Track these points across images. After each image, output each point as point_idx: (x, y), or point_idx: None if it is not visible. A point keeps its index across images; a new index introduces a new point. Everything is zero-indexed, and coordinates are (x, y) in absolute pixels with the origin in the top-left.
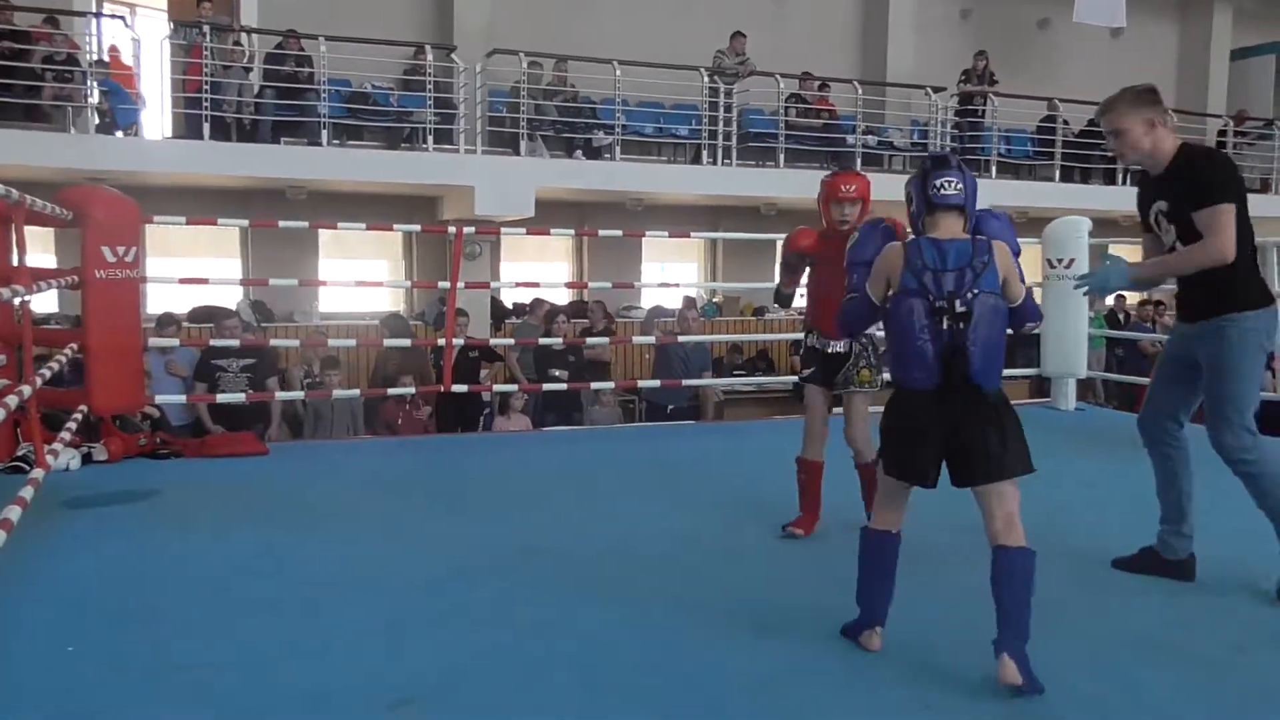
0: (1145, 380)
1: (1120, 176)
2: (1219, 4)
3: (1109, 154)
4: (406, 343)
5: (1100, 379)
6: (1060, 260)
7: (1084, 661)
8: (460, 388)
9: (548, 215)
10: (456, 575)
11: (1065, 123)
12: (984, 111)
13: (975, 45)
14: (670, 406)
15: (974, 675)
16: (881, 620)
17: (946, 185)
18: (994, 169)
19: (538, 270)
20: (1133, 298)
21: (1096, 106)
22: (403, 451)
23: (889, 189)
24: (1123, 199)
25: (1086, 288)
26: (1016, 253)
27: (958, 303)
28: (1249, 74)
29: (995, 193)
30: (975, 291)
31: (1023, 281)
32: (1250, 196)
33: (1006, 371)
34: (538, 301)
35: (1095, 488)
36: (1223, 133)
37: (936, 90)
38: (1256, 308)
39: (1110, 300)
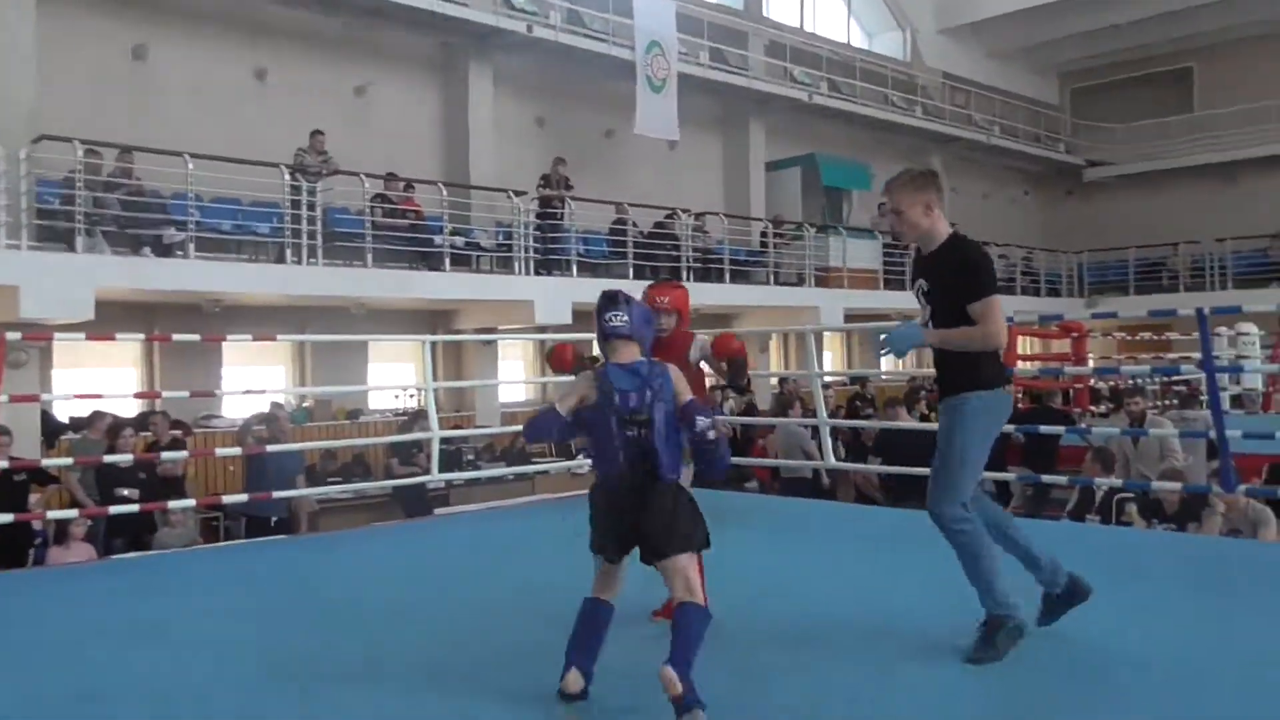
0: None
1: (684, 274)
2: (753, 122)
3: (674, 253)
4: None
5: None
6: None
7: None
8: (4, 517)
9: (111, 318)
10: None
11: (635, 224)
12: (562, 214)
13: (551, 152)
14: (275, 519)
15: None
16: (583, 667)
17: (614, 319)
18: (575, 268)
19: (100, 379)
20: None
21: (661, 209)
22: None
23: (478, 289)
24: (692, 293)
25: (888, 349)
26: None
27: (641, 414)
28: (781, 183)
29: (576, 290)
30: (654, 404)
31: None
32: (785, 289)
33: None
34: (97, 414)
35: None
36: (764, 234)
37: (518, 194)
38: (990, 387)
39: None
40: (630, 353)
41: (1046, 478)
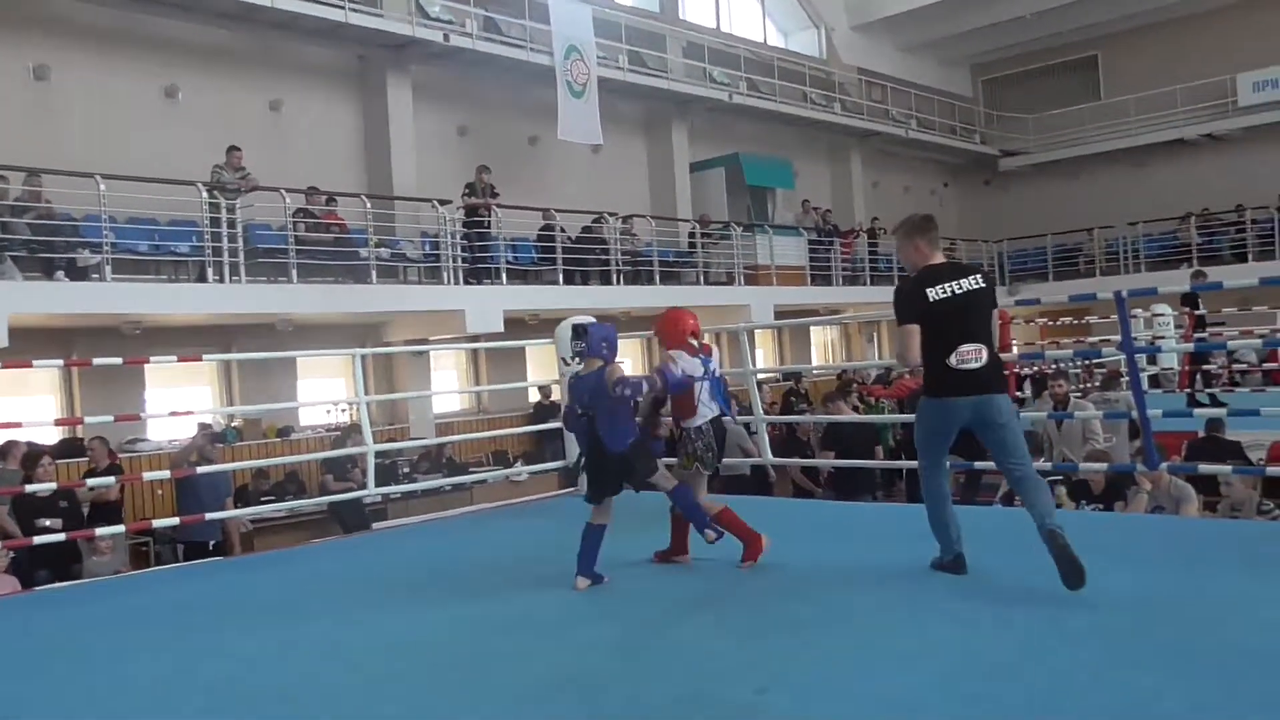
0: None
1: (615, 277)
2: (676, 124)
3: (603, 257)
4: None
5: None
6: (574, 357)
7: None
8: None
9: (26, 344)
10: None
11: (562, 230)
12: (489, 222)
13: (474, 160)
14: (213, 542)
15: None
16: (588, 573)
17: (575, 345)
18: (504, 276)
19: (16, 408)
20: None
21: (588, 214)
22: None
23: (407, 300)
24: (620, 297)
25: None
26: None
27: (591, 409)
28: (706, 184)
29: (507, 298)
30: (596, 400)
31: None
32: (715, 289)
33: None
34: (10, 444)
35: (628, 564)
36: (692, 234)
37: (443, 203)
38: (925, 395)
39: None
40: (590, 365)
41: (978, 464)
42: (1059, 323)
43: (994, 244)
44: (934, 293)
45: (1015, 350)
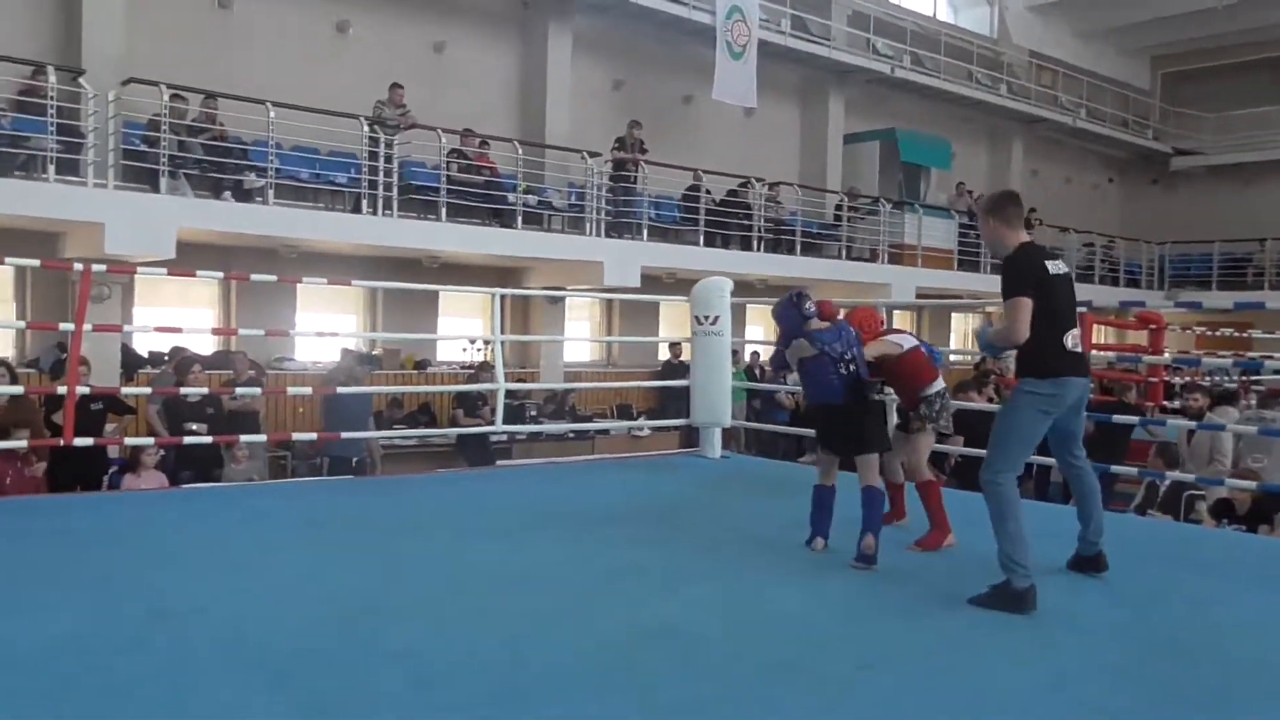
0: (782, 429)
1: (755, 244)
2: (833, 94)
3: (746, 222)
4: (19, 390)
5: (742, 428)
6: (706, 317)
7: (724, 688)
8: (83, 442)
9: (190, 259)
10: (61, 653)
11: (708, 191)
12: (636, 178)
13: (627, 115)
14: (356, 459)
15: None
16: (824, 534)
17: (809, 307)
18: (645, 232)
19: (179, 317)
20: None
21: (735, 177)
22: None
23: (549, 247)
24: (759, 264)
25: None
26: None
27: (846, 358)
28: (858, 157)
29: (646, 254)
30: (852, 353)
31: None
32: (857, 265)
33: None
34: (176, 350)
35: (741, 529)
36: (839, 206)
37: (592, 155)
38: (1041, 376)
39: (747, 356)
40: (819, 324)
41: (1115, 468)
42: (1218, 334)
43: (1156, 246)
44: (1052, 266)
45: (1167, 355)
